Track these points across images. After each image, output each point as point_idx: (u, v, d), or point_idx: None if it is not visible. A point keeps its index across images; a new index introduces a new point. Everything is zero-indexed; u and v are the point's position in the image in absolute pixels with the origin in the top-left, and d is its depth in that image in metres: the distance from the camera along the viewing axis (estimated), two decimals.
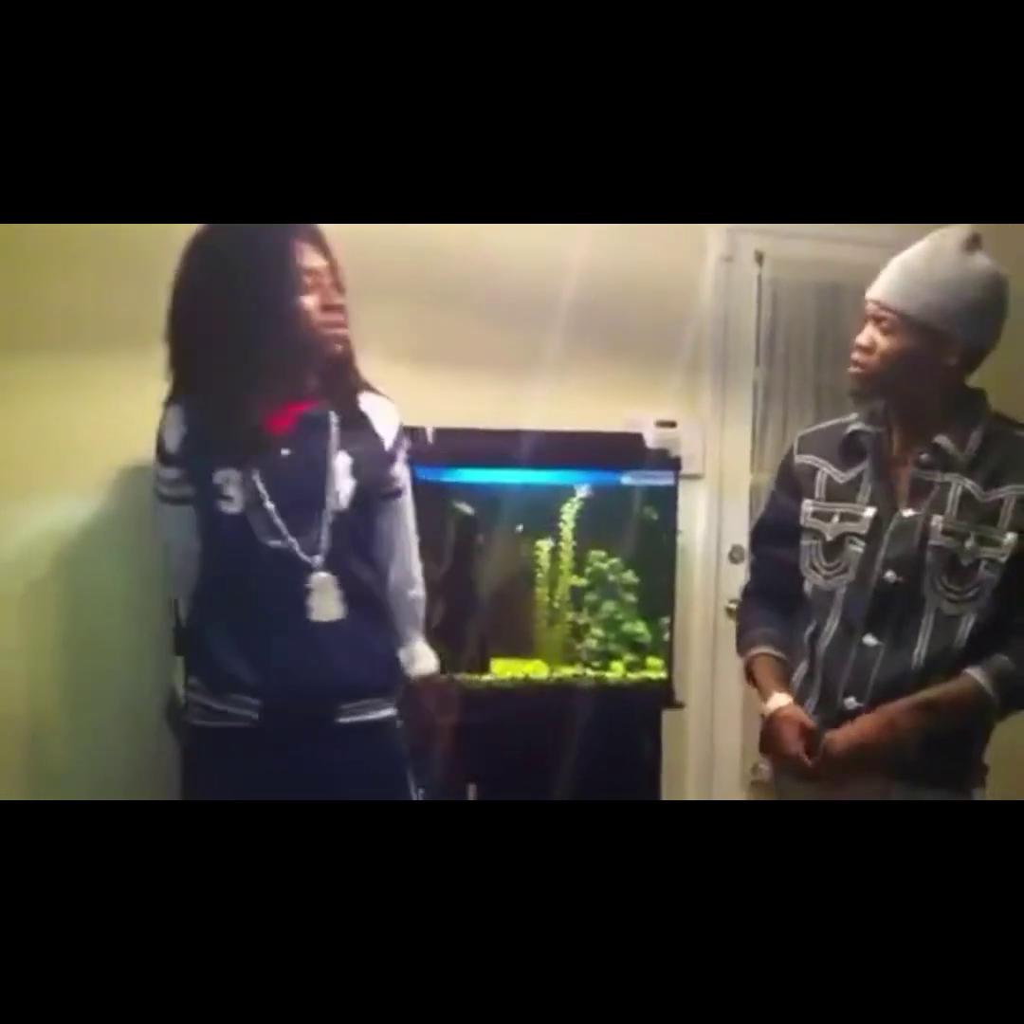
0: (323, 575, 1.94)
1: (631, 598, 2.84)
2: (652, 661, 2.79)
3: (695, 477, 3.08)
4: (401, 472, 2.11)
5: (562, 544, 2.85)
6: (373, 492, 2.03)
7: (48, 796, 2.20)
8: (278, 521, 1.93)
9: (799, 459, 2.08)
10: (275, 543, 1.93)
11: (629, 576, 2.84)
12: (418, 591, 2.20)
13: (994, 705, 1.90)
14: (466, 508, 2.78)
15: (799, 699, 2.01)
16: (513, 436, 2.69)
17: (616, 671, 2.79)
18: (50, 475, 2.66)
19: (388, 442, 2.07)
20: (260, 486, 1.93)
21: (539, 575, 2.86)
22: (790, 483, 2.09)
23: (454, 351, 2.88)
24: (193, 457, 1.97)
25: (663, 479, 2.81)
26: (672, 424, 3.02)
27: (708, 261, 3.17)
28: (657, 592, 2.81)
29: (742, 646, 2.15)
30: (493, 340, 2.92)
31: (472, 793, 2.57)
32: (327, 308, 1.95)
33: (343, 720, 1.99)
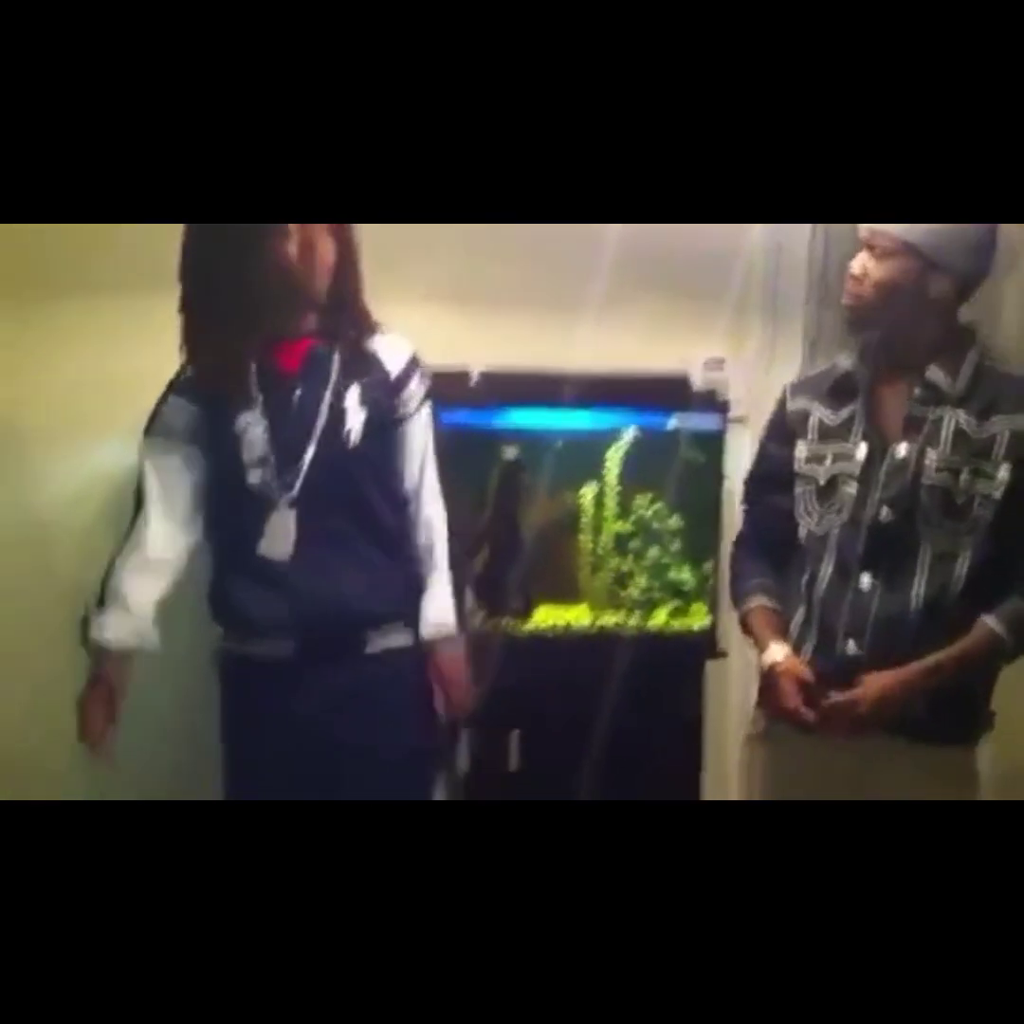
0: (282, 511, 2.00)
1: (676, 544, 2.80)
2: (696, 607, 2.76)
3: (742, 420, 3.01)
4: (408, 401, 2.10)
5: (606, 489, 2.81)
6: (383, 421, 2.06)
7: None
8: (272, 462, 1.99)
9: (791, 405, 2.07)
10: (268, 479, 2.00)
11: (674, 522, 2.80)
12: (431, 527, 2.13)
13: (1009, 650, 1.90)
14: (510, 452, 2.75)
15: (797, 647, 1.99)
16: (558, 378, 2.63)
17: (659, 618, 2.76)
18: (102, 418, 2.66)
19: (395, 373, 2.09)
20: (275, 428, 2.00)
21: (583, 521, 2.82)
22: (782, 431, 2.08)
23: (497, 291, 2.82)
24: (215, 408, 2.03)
25: (710, 423, 2.75)
26: (721, 364, 2.95)
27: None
28: (702, 538, 2.76)
29: (736, 598, 2.14)
30: (537, 280, 2.86)
31: (515, 739, 2.56)
32: (307, 255, 1.98)
33: (369, 650, 2.06)
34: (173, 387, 2.08)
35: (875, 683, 1.88)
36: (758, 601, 2.06)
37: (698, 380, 2.88)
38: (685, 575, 2.78)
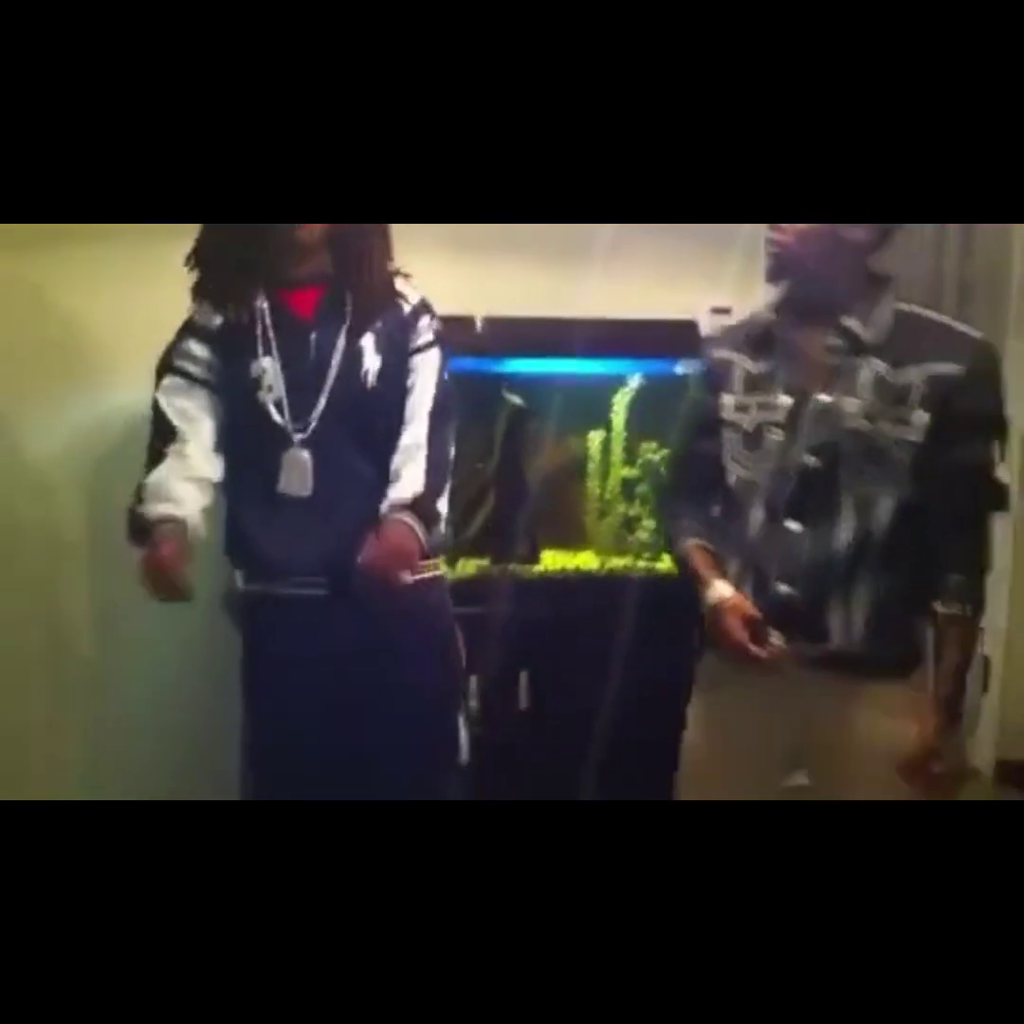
0: (295, 451, 2.01)
1: None
2: None
3: None
4: (418, 335, 2.11)
5: (613, 435, 2.82)
6: (398, 362, 2.08)
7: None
8: (285, 405, 2.01)
9: (715, 355, 2.10)
10: (284, 420, 2.02)
11: None
12: (407, 448, 2.08)
13: (976, 619, 1.93)
14: (516, 399, 2.76)
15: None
16: (564, 324, 2.64)
17: (667, 562, 2.78)
18: (118, 364, 2.68)
19: (406, 310, 2.11)
20: (282, 372, 2.01)
21: (590, 466, 2.84)
22: (706, 381, 2.11)
23: (501, 237, 2.82)
24: (229, 350, 2.04)
25: None
26: (727, 311, 2.95)
27: None
28: None
29: (671, 540, 2.16)
30: (542, 226, 2.86)
31: (524, 680, 2.59)
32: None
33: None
34: (188, 329, 2.08)
35: (921, 744, 1.91)
36: (693, 541, 2.09)
37: (705, 326, 2.89)
38: None
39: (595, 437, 2.83)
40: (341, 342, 2.03)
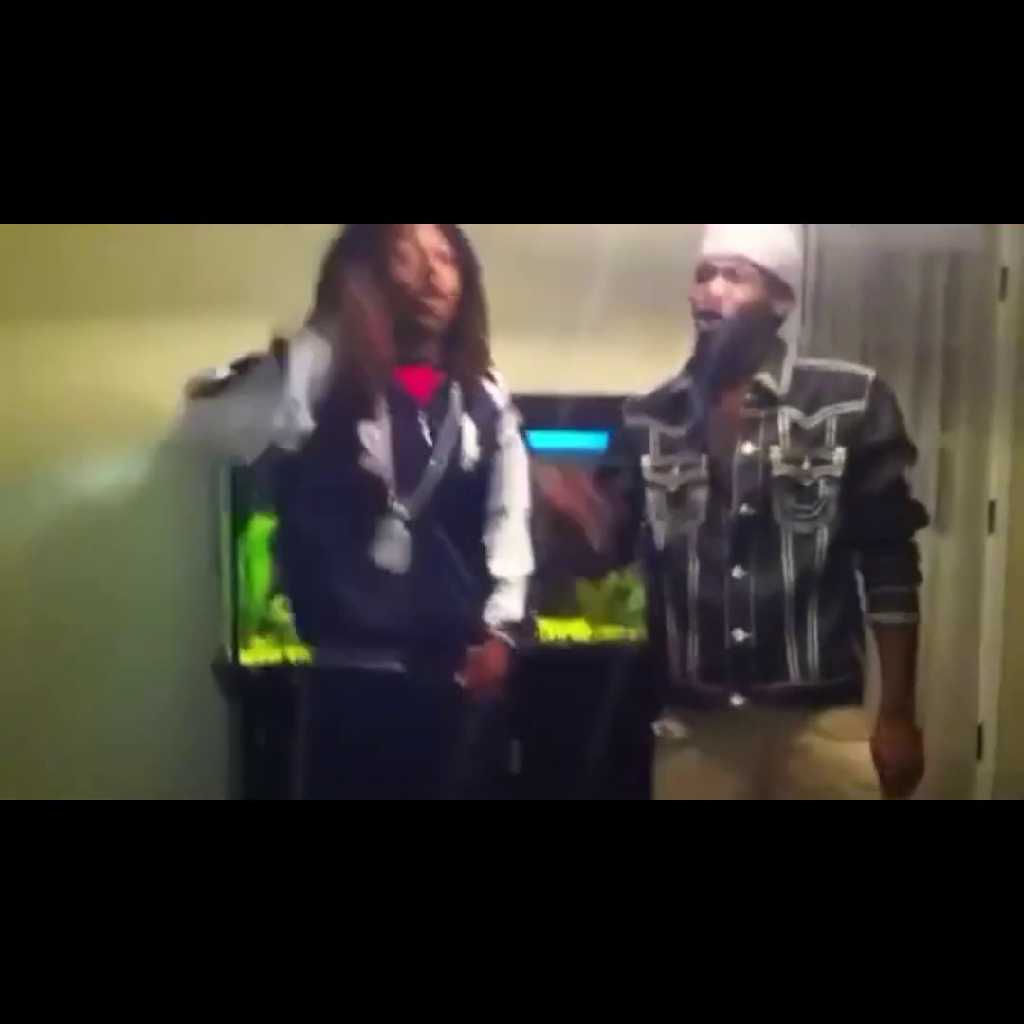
0: (397, 525, 2.07)
1: None
2: None
3: None
4: (504, 429, 2.24)
5: None
6: (488, 452, 2.19)
7: (90, 743, 2.25)
8: (393, 480, 2.06)
9: (629, 421, 2.24)
10: (390, 496, 2.06)
11: None
12: (504, 545, 2.23)
13: (916, 622, 2.14)
14: None
15: (680, 645, 2.12)
16: (555, 400, 2.68)
17: None
18: (100, 437, 2.73)
19: (499, 405, 2.23)
20: (396, 443, 2.07)
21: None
22: (621, 445, 2.24)
23: (497, 313, 2.87)
24: (335, 403, 2.05)
25: None
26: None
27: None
28: None
29: None
30: (533, 302, 2.92)
31: (516, 750, 2.60)
32: (425, 283, 2.08)
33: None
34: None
35: (883, 751, 2.08)
36: None
37: None
38: None
39: None
40: (449, 427, 2.13)
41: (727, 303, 2.10)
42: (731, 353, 2.12)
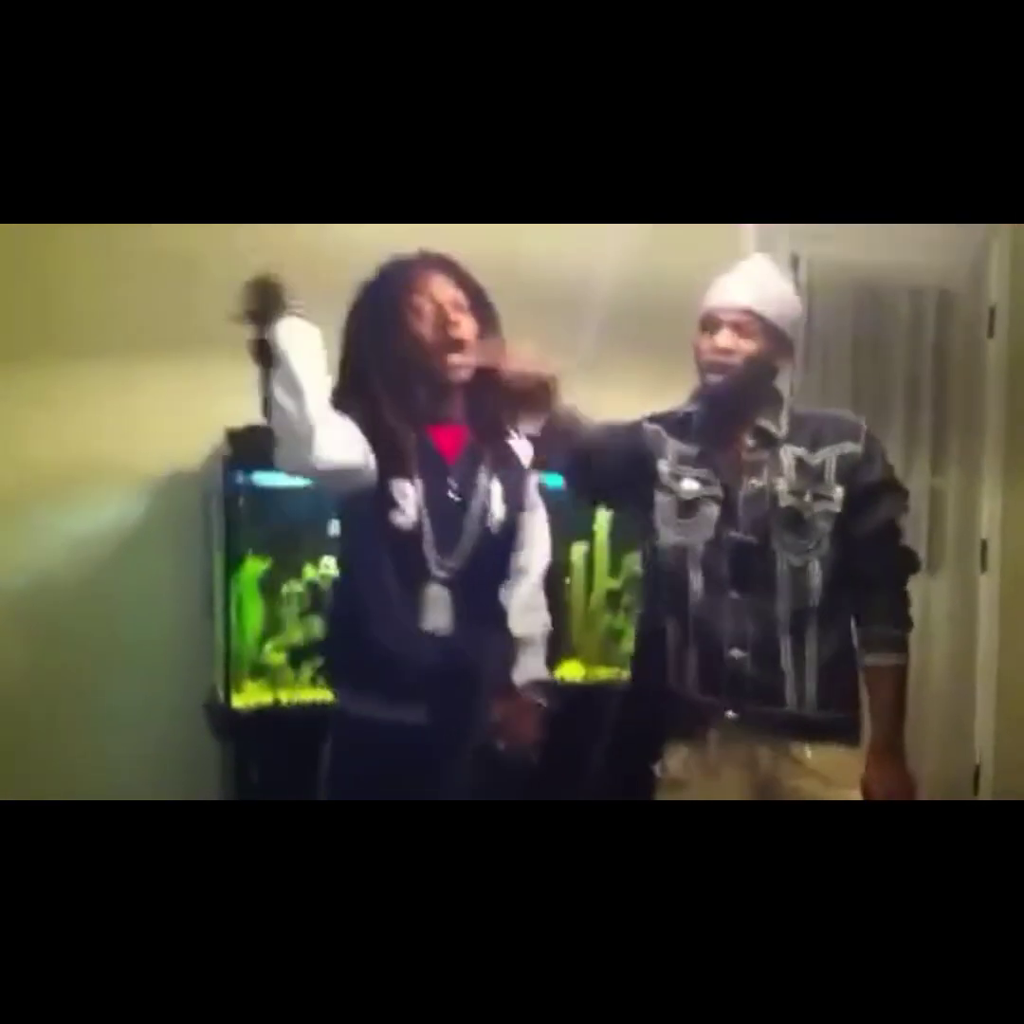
0: (438, 589, 2.05)
1: None
2: None
3: None
4: (529, 490, 2.22)
5: (596, 547, 2.87)
6: (513, 511, 2.16)
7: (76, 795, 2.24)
8: (430, 541, 2.04)
9: (648, 425, 2.27)
10: (429, 557, 2.04)
11: None
12: (524, 603, 2.22)
13: (906, 664, 2.15)
14: None
15: (678, 655, 2.14)
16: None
17: None
18: (94, 480, 2.73)
19: (525, 463, 2.20)
20: (427, 508, 2.04)
21: (574, 578, 2.87)
22: (638, 440, 2.24)
23: None
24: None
25: None
26: None
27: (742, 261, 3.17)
28: None
29: None
30: (527, 340, 2.94)
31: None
32: (444, 335, 2.05)
33: (493, 717, 2.12)
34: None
35: (874, 791, 2.09)
36: None
37: None
38: None
39: (578, 549, 2.87)
40: (479, 487, 2.10)
41: (734, 356, 2.13)
42: (733, 404, 2.17)
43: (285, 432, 1.90)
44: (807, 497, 2.13)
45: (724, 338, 2.14)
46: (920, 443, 3.56)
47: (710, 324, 2.17)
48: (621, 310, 2.95)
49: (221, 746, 2.71)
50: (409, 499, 2.03)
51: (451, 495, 2.07)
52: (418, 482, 2.04)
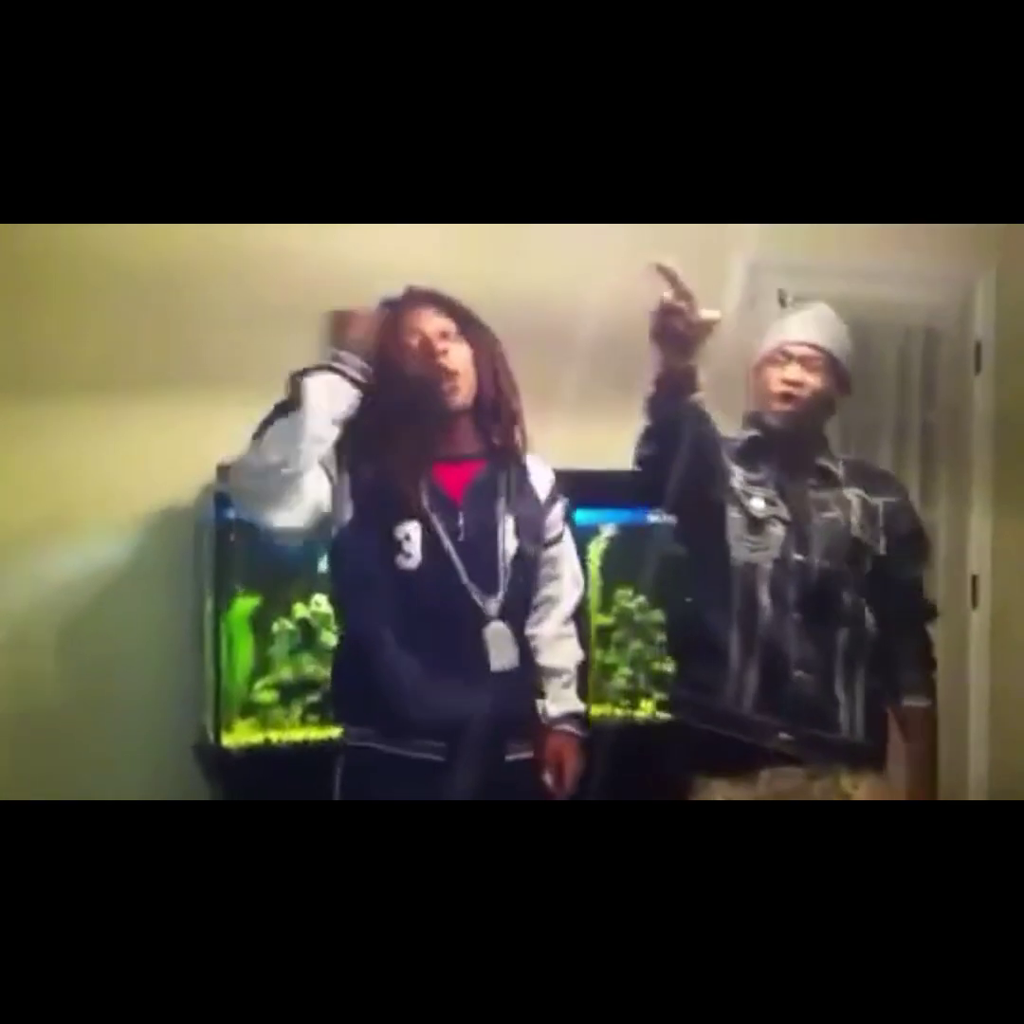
0: (500, 625, 2.03)
1: (659, 636, 2.84)
2: None
3: None
4: (553, 525, 2.20)
5: (588, 583, 2.85)
6: (532, 548, 2.12)
7: None
8: (463, 577, 2.01)
9: (725, 437, 2.26)
10: (457, 595, 2.01)
11: (656, 615, 2.84)
12: (554, 635, 2.21)
13: (934, 710, 2.28)
14: None
15: (740, 673, 2.16)
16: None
17: (645, 710, 2.79)
18: (83, 516, 2.72)
19: (543, 495, 2.17)
20: (445, 542, 2.01)
21: None
22: (714, 453, 2.16)
23: None
24: (370, 511, 2.02)
25: None
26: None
27: (731, 300, 3.18)
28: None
29: None
30: (517, 379, 2.95)
31: None
32: (435, 366, 2.02)
33: (509, 757, 2.07)
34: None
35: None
36: None
37: None
38: (668, 667, 2.81)
39: None
40: (494, 523, 2.06)
41: (803, 388, 2.24)
42: (799, 433, 2.26)
43: (263, 475, 1.89)
44: (869, 537, 2.23)
45: (794, 371, 2.24)
46: (909, 479, 3.56)
47: (780, 357, 2.27)
48: (607, 346, 2.96)
49: (211, 787, 2.68)
50: (414, 542, 2.00)
51: (458, 538, 2.02)
52: (430, 523, 2.00)
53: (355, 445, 2.01)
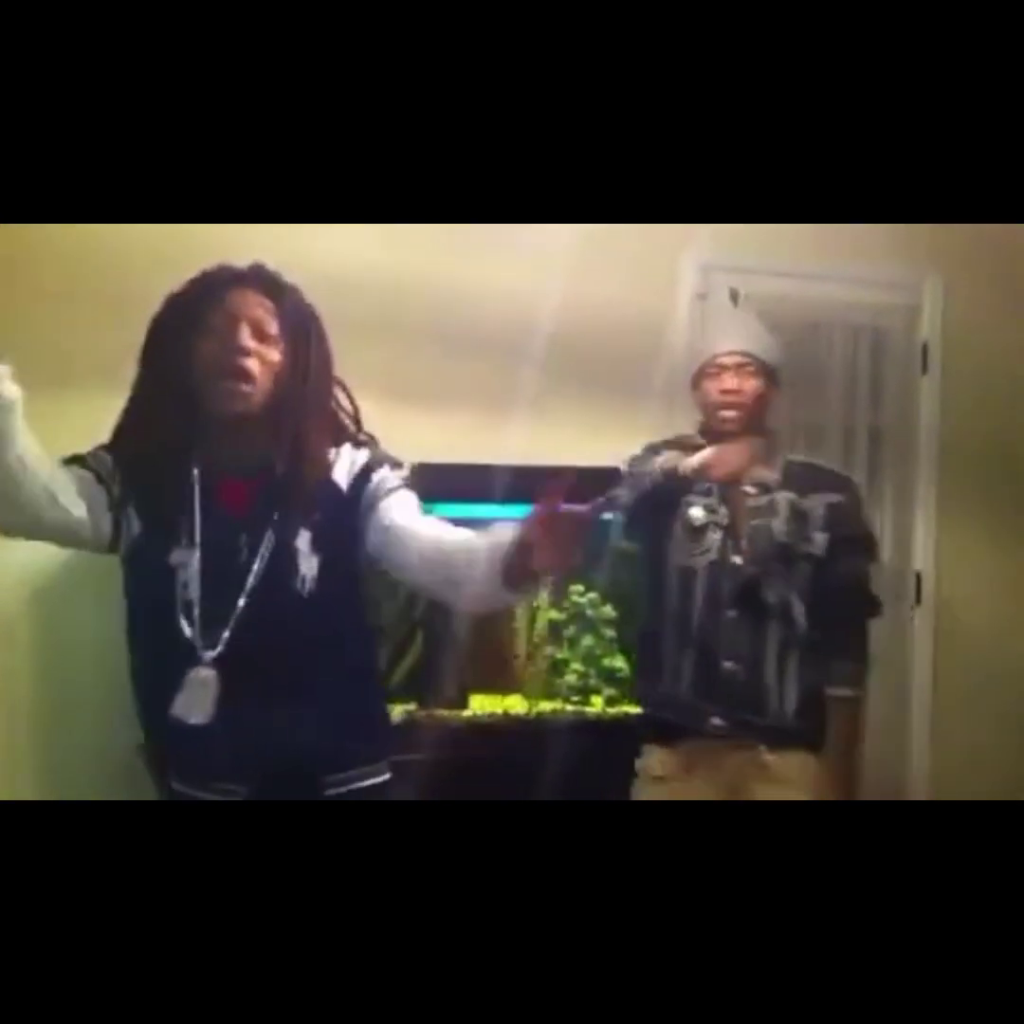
0: (203, 671, 1.74)
1: (610, 632, 2.85)
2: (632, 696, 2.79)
3: None
4: (368, 506, 1.83)
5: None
6: (342, 552, 1.82)
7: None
8: (195, 615, 1.74)
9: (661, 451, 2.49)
10: (190, 630, 1.75)
11: (608, 610, 2.85)
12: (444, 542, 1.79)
13: (863, 698, 2.44)
14: None
15: (676, 667, 2.40)
16: (492, 471, 2.69)
17: (596, 705, 2.79)
18: None
19: (344, 488, 1.83)
20: (210, 574, 1.75)
21: (517, 610, 2.86)
22: (666, 480, 2.41)
23: (430, 386, 2.90)
24: (146, 531, 1.78)
25: None
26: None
27: (682, 299, 3.20)
28: (636, 628, 2.80)
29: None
30: (470, 375, 2.95)
31: None
32: (231, 362, 1.73)
33: (329, 792, 1.82)
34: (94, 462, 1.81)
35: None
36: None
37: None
38: (619, 663, 2.82)
39: None
40: (269, 544, 1.76)
41: (742, 395, 2.42)
42: (743, 434, 2.41)
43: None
44: (796, 539, 2.38)
45: (727, 382, 2.43)
46: (855, 479, 3.59)
47: (715, 369, 2.44)
48: (563, 347, 2.97)
49: (158, 786, 2.65)
50: (191, 571, 1.74)
51: (241, 560, 1.75)
52: (197, 550, 1.74)
53: (128, 436, 1.79)
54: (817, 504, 2.42)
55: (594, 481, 2.80)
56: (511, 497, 2.72)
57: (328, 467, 1.83)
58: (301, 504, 1.78)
